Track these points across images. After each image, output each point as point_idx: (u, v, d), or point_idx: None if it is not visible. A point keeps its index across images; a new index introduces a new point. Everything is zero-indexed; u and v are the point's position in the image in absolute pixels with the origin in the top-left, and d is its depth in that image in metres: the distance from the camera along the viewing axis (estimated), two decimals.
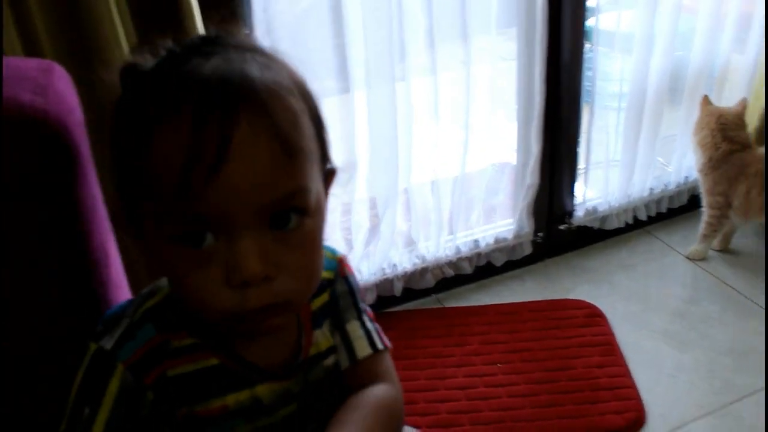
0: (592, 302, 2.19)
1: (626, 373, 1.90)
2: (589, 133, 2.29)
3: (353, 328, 0.76)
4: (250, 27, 1.52)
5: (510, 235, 2.27)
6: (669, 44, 2.22)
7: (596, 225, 2.43)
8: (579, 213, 2.38)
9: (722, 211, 2.26)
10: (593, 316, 2.13)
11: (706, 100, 2.26)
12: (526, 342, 2.03)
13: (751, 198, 2.19)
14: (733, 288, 2.25)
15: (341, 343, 0.76)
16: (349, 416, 0.69)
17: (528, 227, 2.28)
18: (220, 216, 0.56)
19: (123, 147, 0.59)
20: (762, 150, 2.23)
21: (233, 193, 0.55)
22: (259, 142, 0.55)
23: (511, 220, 2.28)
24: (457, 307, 2.21)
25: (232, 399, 0.68)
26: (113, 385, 0.64)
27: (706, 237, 2.35)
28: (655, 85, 2.26)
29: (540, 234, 2.32)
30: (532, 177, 2.17)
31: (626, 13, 2.27)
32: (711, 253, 2.42)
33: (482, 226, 2.24)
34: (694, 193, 2.52)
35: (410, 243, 2.15)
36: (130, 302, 0.71)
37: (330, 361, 0.75)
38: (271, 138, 0.56)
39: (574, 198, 2.37)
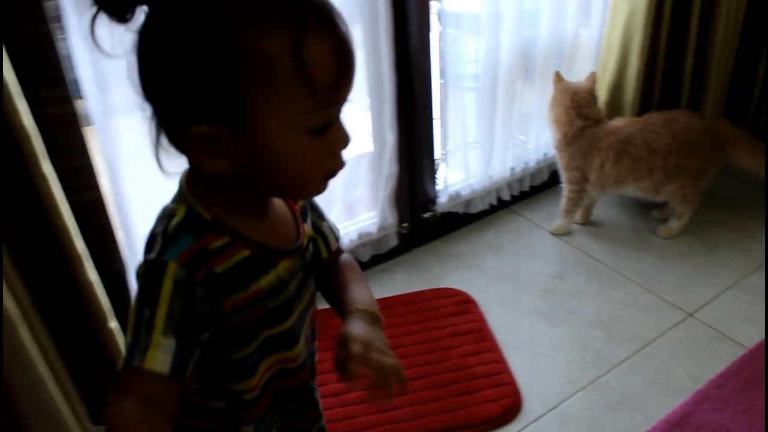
0: (463, 289, 2.16)
1: (501, 359, 1.87)
2: (444, 116, 2.24)
3: (324, 227, 0.98)
4: None
5: (374, 229, 2.20)
6: (516, 23, 2.20)
7: (461, 209, 2.40)
8: (442, 199, 2.33)
9: (580, 185, 2.28)
10: (465, 303, 2.09)
11: (558, 77, 2.26)
12: (399, 338, 1.96)
13: (605, 171, 2.22)
14: (597, 260, 2.28)
15: (320, 238, 0.97)
16: (351, 273, 1.00)
17: (392, 218, 2.21)
18: (340, 104, 0.75)
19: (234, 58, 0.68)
20: (614, 123, 2.26)
21: (351, 85, 0.74)
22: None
23: (373, 213, 2.21)
24: (326, 309, 2.11)
25: (264, 281, 0.82)
26: (167, 284, 0.72)
27: (568, 212, 2.37)
28: (506, 65, 2.24)
29: (405, 224, 2.27)
30: (390, 167, 2.10)
31: None
32: (574, 226, 2.44)
33: (344, 222, 2.15)
34: (554, 169, 2.54)
35: None
36: (156, 224, 0.78)
37: (310, 247, 0.92)
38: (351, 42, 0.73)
39: (436, 184, 2.33)
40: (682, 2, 2.31)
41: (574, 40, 2.45)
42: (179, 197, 0.79)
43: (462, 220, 2.45)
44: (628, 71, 2.34)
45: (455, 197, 2.36)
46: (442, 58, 2.13)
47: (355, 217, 2.18)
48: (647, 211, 2.51)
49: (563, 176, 2.33)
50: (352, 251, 2.17)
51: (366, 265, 2.24)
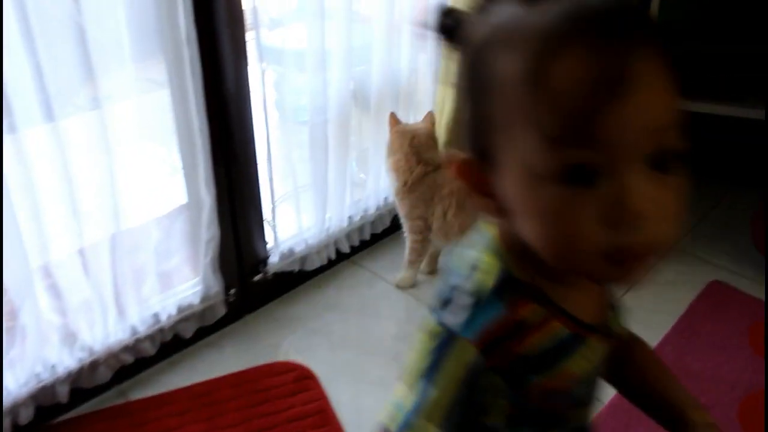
0: (301, 360, 1.92)
1: None
2: (271, 163, 1.99)
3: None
4: None
5: (196, 300, 1.91)
6: (345, 59, 2.00)
7: (296, 268, 2.16)
8: (274, 258, 2.09)
9: (423, 234, 2.11)
10: (303, 379, 1.84)
11: (394, 119, 2.08)
12: (228, 429, 1.69)
13: (448, 220, 2.06)
14: None
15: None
16: (663, 365, 0.81)
17: (217, 286, 1.94)
18: (614, 146, 0.52)
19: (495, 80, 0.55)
20: None
21: (633, 124, 0.51)
22: (660, 78, 0.53)
23: (194, 282, 1.92)
24: (143, 399, 1.80)
25: (575, 365, 0.66)
26: (458, 370, 0.62)
27: (412, 263, 2.19)
28: (336, 103, 2.04)
29: (232, 291, 1.99)
30: (210, 229, 1.83)
31: (295, 28, 2.01)
32: (420, 277, 2.27)
33: (159, 295, 1.84)
34: (396, 214, 2.36)
35: (69, 335, 1.70)
36: (457, 273, 0.66)
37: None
38: (668, 75, 0.53)
39: (266, 243, 2.08)
40: None
41: (410, 75, 2.28)
42: (487, 248, 0.66)
43: (298, 279, 2.21)
44: None
45: (288, 255, 2.12)
46: (265, 100, 1.88)
47: (172, 289, 1.88)
48: None
49: (405, 226, 2.15)
50: (172, 328, 1.88)
51: (189, 341, 1.95)
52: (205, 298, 1.93)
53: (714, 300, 2.18)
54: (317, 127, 2.02)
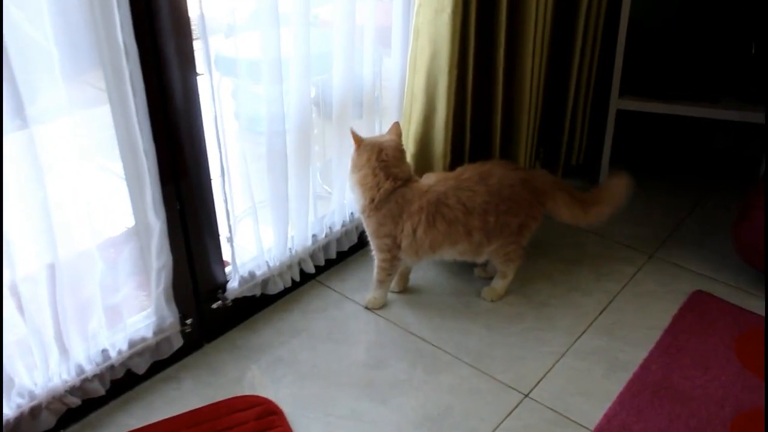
0: (265, 393, 1.78)
1: None
2: (225, 182, 1.85)
3: None
4: None
5: (149, 333, 1.77)
6: (304, 67, 1.87)
7: (257, 292, 2.02)
8: (233, 284, 1.94)
9: (392, 253, 1.99)
10: (268, 415, 1.70)
11: (356, 136, 1.94)
12: None
13: (418, 237, 1.94)
14: (419, 337, 1.99)
15: None
16: None
17: (171, 317, 1.79)
18: None
19: None
20: (425, 181, 1.99)
21: None
22: None
23: (147, 312, 1.78)
24: None
25: None
26: None
27: (382, 282, 2.06)
28: (296, 114, 1.90)
29: (189, 321, 1.85)
30: (161, 255, 1.68)
31: (248, 36, 1.87)
32: (391, 296, 2.14)
33: (108, 330, 1.69)
34: (363, 230, 2.23)
35: (5, 380, 1.53)
36: None
37: None
38: None
39: (224, 267, 1.93)
40: (485, 43, 2.09)
41: (374, 82, 2.16)
42: None
43: (261, 303, 2.07)
44: (435, 119, 2.08)
45: (249, 278, 1.98)
46: (218, 112, 1.74)
47: (121, 323, 1.72)
48: (469, 269, 2.27)
49: (373, 244, 2.02)
50: (124, 364, 1.73)
51: (144, 377, 1.80)
52: (159, 330, 1.78)
53: (698, 311, 2.08)
54: (275, 138, 1.87)
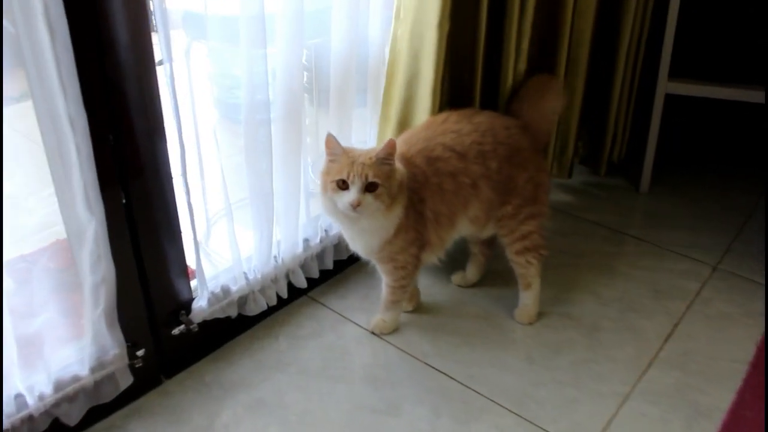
0: None
1: None
2: (196, 176, 1.41)
3: None
4: None
5: (84, 370, 1.31)
6: (295, 28, 1.43)
7: (233, 312, 1.56)
8: (201, 302, 1.49)
9: (417, 261, 1.55)
10: None
11: (334, 143, 1.41)
12: None
13: (439, 215, 1.54)
14: (442, 372, 1.55)
15: None
16: None
17: (116, 347, 1.34)
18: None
19: None
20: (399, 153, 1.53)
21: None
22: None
23: (80, 344, 1.32)
24: None
25: None
26: None
27: (396, 304, 1.62)
28: (282, 91, 1.46)
29: (141, 352, 1.40)
30: (97, 267, 1.23)
31: None
32: (402, 317, 1.70)
33: (22, 370, 1.23)
34: None
35: None
36: None
37: None
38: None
39: (188, 281, 1.48)
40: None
41: (380, 52, 1.71)
42: None
43: (237, 327, 1.62)
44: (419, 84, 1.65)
45: (222, 296, 1.53)
46: (174, 89, 1.29)
47: (41, 361, 1.26)
48: (494, 280, 1.83)
49: (392, 265, 1.55)
50: (47, 413, 1.27)
51: (77, 428, 1.34)
52: (98, 366, 1.33)
53: None
54: (258, 121, 1.44)
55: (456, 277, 1.84)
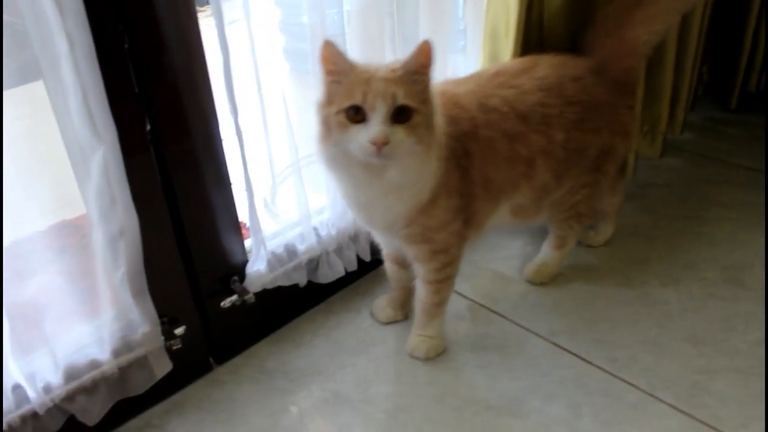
0: None
1: None
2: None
3: None
4: None
5: (105, 353, 0.99)
6: None
7: (301, 280, 1.22)
8: (258, 266, 1.14)
9: (462, 241, 1.12)
10: None
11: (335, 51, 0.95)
12: None
13: (490, 178, 1.10)
14: (574, 353, 1.16)
15: None
16: None
17: (147, 324, 1.01)
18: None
19: None
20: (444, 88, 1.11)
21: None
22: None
23: (99, 321, 0.99)
24: None
25: None
26: None
27: (439, 308, 1.17)
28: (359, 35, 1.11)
29: (180, 330, 1.06)
30: (111, 216, 0.90)
31: None
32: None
33: (17, 354, 0.91)
34: None
35: None
36: None
37: None
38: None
39: (241, 240, 1.14)
40: None
41: None
42: None
43: (306, 298, 1.27)
44: None
45: (286, 258, 1.18)
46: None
47: (41, 341, 0.94)
48: (622, 245, 1.43)
49: (429, 248, 1.08)
50: (57, 409, 0.95)
51: (102, 427, 1.03)
52: (123, 348, 1.00)
53: None
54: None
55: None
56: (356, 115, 0.89)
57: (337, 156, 0.93)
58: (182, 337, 1.07)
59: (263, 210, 1.29)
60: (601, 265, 1.40)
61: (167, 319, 1.04)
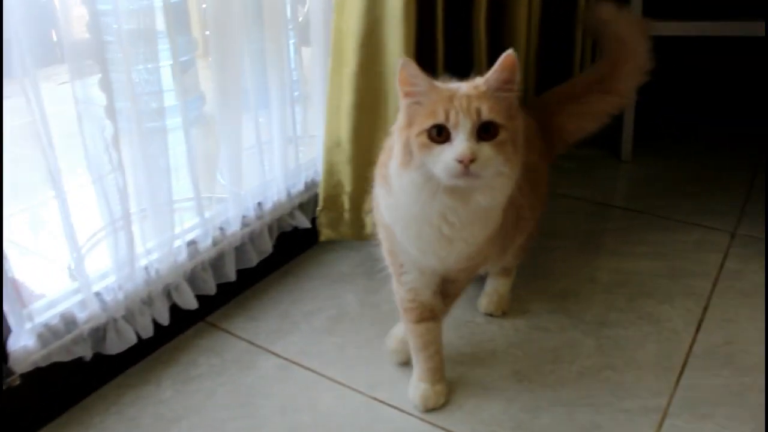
0: None
1: None
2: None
3: None
4: None
5: None
6: None
7: (85, 353, 1.07)
8: (25, 341, 0.98)
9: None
10: None
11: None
12: None
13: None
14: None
15: None
16: None
17: None
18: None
19: None
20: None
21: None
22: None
23: None
24: None
25: None
26: None
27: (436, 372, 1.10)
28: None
29: None
30: None
31: None
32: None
33: None
34: (284, 231, 1.33)
35: None
36: None
37: None
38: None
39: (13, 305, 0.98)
40: None
41: None
42: None
43: (96, 372, 1.12)
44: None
45: (63, 329, 1.03)
46: None
47: None
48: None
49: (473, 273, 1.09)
50: None
51: None
52: None
53: None
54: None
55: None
56: (439, 135, 0.84)
57: (421, 182, 0.87)
58: None
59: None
60: None
61: None
